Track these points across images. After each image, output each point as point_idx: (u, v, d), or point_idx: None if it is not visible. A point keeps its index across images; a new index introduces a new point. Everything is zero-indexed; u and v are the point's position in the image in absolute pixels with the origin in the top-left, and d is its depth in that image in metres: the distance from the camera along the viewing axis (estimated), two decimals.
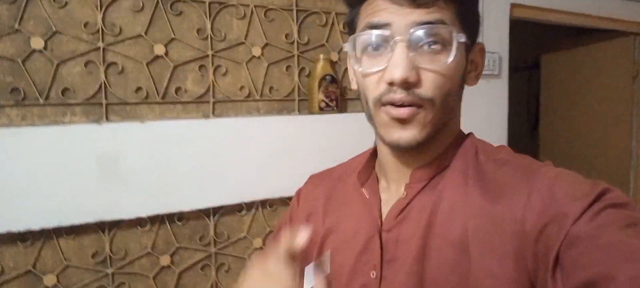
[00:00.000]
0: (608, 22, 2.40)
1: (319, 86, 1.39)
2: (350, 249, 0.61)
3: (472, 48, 0.58)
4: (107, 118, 1.15)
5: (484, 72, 1.93)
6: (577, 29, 2.52)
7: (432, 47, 0.51)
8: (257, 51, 1.34)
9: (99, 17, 1.13)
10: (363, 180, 0.65)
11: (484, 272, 0.49)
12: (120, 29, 1.16)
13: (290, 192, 1.36)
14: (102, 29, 1.13)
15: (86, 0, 1.11)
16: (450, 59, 0.51)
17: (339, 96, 1.43)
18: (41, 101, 1.08)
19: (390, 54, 0.51)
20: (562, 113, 2.99)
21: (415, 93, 0.51)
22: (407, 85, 0.50)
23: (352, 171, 0.70)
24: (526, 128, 3.43)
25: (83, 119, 1.13)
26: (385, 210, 0.60)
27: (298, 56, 1.41)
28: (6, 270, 1.06)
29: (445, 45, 0.51)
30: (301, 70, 1.42)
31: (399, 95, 0.50)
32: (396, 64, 0.49)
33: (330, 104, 1.41)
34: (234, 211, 1.34)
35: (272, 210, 1.39)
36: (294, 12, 1.39)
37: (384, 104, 0.52)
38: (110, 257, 1.16)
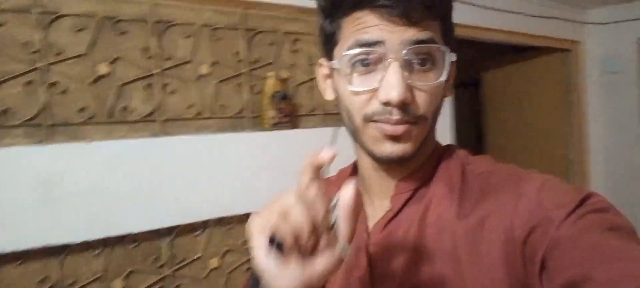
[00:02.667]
0: (542, 39, 2.61)
1: (270, 103, 1.41)
2: (340, 269, 0.61)
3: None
4: (50, 139, 1.12)
5: None
6: (514, 47, 2.72)
7: (424, 65, 0.51)
8: (205, 69, 1.36)
9: (38, 36, 1.11)
10: None
11: (475, 281, 0.49)
12: (62, 49, 1.14)
13: (247, 208, 1.37)
14: (42, 49, 1.11)
15: (24, 20, 1.10)
16: (442, 78, 0.52)
17: (291, 112, 1.45)
18: None
19: (382, 72, 0.50)
20: (503, 125, 3.15)
21: (410, 111, 0.51)
22: (404, 105, 0.50)
23: (334, 187, 0.69)
24: (472, 140, 3.59)
25: (25, 141, 1.09)
26: (371, 225, 0.59)
27: (248, 73, 1.44)
28: None
29: (435, 63, 0.52)
30: (252, 87, 1.45)
31: (395, 116, 0.50)
32: (393, 86, 0.49)
33: (282, 120, 1.43)
34: (188, 231, 1.31)
35: (228, 228, 1.38)
36: (242, 31, 1.43)
37: (376, 121, 0.52)
38: (59, 283, 1.11)
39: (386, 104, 0.50)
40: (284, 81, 1.50)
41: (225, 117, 1.40)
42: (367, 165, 0.60)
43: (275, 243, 0.42)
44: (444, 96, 0.57)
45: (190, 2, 1.34)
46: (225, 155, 1.34)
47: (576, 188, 0.48)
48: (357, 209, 0.42)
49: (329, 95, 0.61)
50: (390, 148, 0.53)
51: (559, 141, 2.86)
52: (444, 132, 1.99)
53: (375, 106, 0.51)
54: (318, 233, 0.42)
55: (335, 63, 0.55)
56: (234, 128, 1.41)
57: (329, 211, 0.43)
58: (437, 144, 0.62)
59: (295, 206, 0.41)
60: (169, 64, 1.30)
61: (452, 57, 0.53)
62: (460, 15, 2.16)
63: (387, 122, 0.51)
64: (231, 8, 1.41)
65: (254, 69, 1.46)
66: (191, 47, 1.34)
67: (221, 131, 1.39)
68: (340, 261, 0.43)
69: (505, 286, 0.47)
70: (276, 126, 1.42)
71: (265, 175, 1.37)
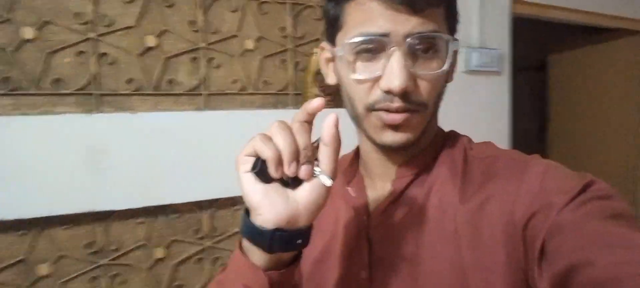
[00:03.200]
0: (615, 20, 2.36)
1: (314, 80, 1.38)
2: (338, 249, 0.60)
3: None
4: (98, 109, 1.16)
5: (484, 69, 1.90)
6: (584, 28, 2.49)
7: (427, 53, 0.51)
8: (250, 44, 1.34)
9: (90, 7, 1.13)
10: (348, 179, 0.65)
11: (476, 264, 0.49)
12: (112, 20, 1.16)
13: None
14: (94, 20, 1.14)
15: None
16: (445, 67, 0.52)
17: (334, 91, 1.41)
18: (33, 91, 1.09)
19: (385, 61, 0.50)
20: (570, 113, 2.94)
21: (411, 99, 0.51)
22: (405, 93, 0.50)
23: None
24: (534, 128, 3.38)
25: (75, 110, 1.14)
26: (371, 209, 0.60)
27: (293, 50, 1.41)
28: (0, 258, 1.07)
29: (438, 52, 0.52)
30: (296, 64, 1.42)
31: (396, 104, 0.51)
32: (395, 74, 0.49)
33: (325, 98, 1.40)
34: (228, 205, 1.33)
35: None
36: (289, 5, 1.39)
37: (377, 110, 0.52)
38: (104, 248, 1.16)
39: (388, 92, 0.50)
40: None
41: (268, 93, 1.38)
42: (369, 149, 0.60)
43: (258, 165, 0.43)
44: (446, 82, 0.57)
45: None
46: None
47: (579, 175, 0.48)
48: (337, 143, 0.45)
49: (331, 80, 0.61)
50: (392, 137, 0.53)
51: (629, 133, 2.62)
52: (502, 118, 1.87)
53: (377, 94, 0.52)
54: (299, 162, 0.43)
55: (338, 50, 0.55)
56: (276, 104, 1.40)
57: (310, 142, 0.44)
58: (439, 130, 0.62)
59: (278, 131, 0.43)
60: (215, 38, 1.30)
61: (455, 45, 0.53)
62: None
63: (388, 109, 0.51)
64: None
65: (300, 45, 1.42)
66: (237, 21, 1.32)
67: (264, 107, 1.38)
68: (324, 191, 0.44)
69: (505, 269, 0.47)
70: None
71: None
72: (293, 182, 0.44)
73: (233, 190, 1.31)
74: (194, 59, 1.27)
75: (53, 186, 1.08)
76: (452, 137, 0.61)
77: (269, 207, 0.43)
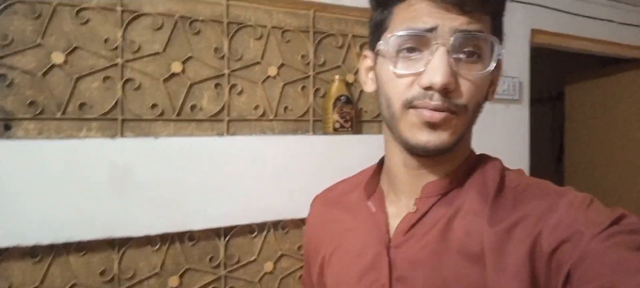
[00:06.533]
0: (632, 50, 2.35)
1: (334, 106, 1.37)
2: (355, 266, 0.59)
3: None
4: (122, 133, 1.16)
5: (504, 97, 1.89)
6: (601, 59, 2.48)
7: (471, 56, 0.51)
8: (273, 71, 1.35)
9: (119, 33, 1.15)
10: (369, 193, 0.63)
11: None
12: (139, 46, 1.18)
13: (303, 213, 1.34)
14: (122, 46, 1.15)
15: (108, 18, 1.14)
16: (490, 68, 0.51)
17: (353, 117, 1.41)
18: (58, 115, 1.09)
19: (428, 57, 0.49)
20: (587, 144, 2.91)
21: (451, 100, 0.50)
22: (446, 91, 0.49)
23: (355, 186, 0.68)
24: (550, 159, 3.34)
25: (98, 134, 1.14)
26: (393, 225, 0.58)
27: (314, 77, 1.41)
28: (14, 285, 1.05)
29: (482, 55, 0.51)
30: (316, 90, 1.42)
31: (435, 101, 0.49)
32: (438, 70, 0.48)
33: (345, 124, 1.39)
34: (245, 232, 1.31)
35: (285, 232, 1.36)
36: (311, 33, 1.40)
37: (415, 107, 0.51)
38: (118, 275, 1.14)
39: (428, 88, 0.49)
40: (349, 85, 1.46)
41: (289, 119, 1.38)
42: (397, 160, 0.58)
43: None
44: (486, 96, 0.56)
45: (262, 4, 1.33)
46: (287, 158, 1.32)
47: (612, 209, 0.47)
48: None
49: (370, 87, 0.60)
50: (427, 137, 0.51)
51: None
52: (521, 147, 1.84)
53: (416, 90, 0.50)
54: None
55: (381, 44, 0.54)
56: (296, 130, 1.39)
57: None
58: (472, 152, 0.60)
59: None
60: (238, 65, 1.30)
61: (501, 49, 0.52)
62: (542, 21, 1.99)
63: (426, 106, 0.50)
64: (302, 10, 1.39)
65: (320, 72, 1.42)
66: (261, 48, 1.33)
67: (284, 133, 1.37)
68: None
69: None
70: (339, 130, 1.38)
71: (325, 180, 1.33)
72: None
73: (251, 216, 1.29)
74: (217, 85, 1.28)
75: (72, 211, 1.07)
76: (485, 160, 0.59)
77: None
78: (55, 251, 1.08)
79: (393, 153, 0.59)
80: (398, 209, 0.59)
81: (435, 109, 0.50)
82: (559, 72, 2.96)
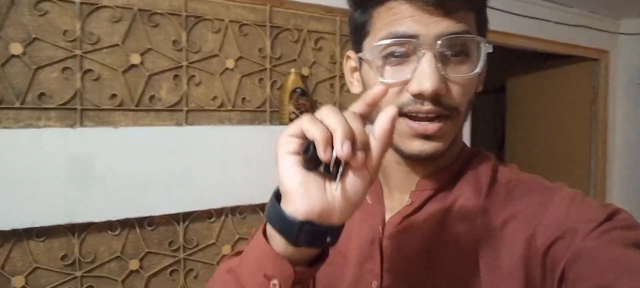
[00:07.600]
0: (569, 47, 2.56)
1: (290, 98, 1.45)
2: (352, 257, 0.59)
3: None
4: (81, 123, 1.19)
5: None
6: (541, 54, 2.68)
7: (458, 57, 0.50)
8: (230, 63, 1.41)
9: (78, 25, 1.17)
10: None
11: (492, 285, 0.49)
12: (99, 38, 1.20)
13: (260, 199, 1.43)
14: (81, 38, 1.18)
15: (66, 10, 1.16)
16: (477, 70, 0.51)
17: (309, 109, 1.49)
18: (17, 104, 1.11)
19: (415, 64, 0.48)
20: (526, 133, 3.12)
21: (442, 103, 0.49)
22: (437, 97, 0.48)
23: None
24: (493, 146, 3.56)
25: (58, 124, 1.16)
26: (388, 218, 0.58)
27: (270, 69, 1.48)
28: None
29: (469, 55, 0.50)
30: (273, 83, 1.49)
31: (426, 107, 0.49)
32: (426, 76, 0.47)
33: (300, 116, 1.47)
34: (203, 218, 1.38)
35: (242, 217, 1.44)
36: (268, 27, 1.47)
37: (406, 115, 0.50)
38: (79, 259, 1.18)
39: (418, 96, 0.48)
40: (304, 78, 1.54)
41: (246, 110, 1.45)
42: (391, 159, 0.57)
43: (311, 150, 0.39)
44: (477, 90, 0.55)
45: None
46: (244, 147, 1.39)
47: (604, 205, 0.47)
48: (388, 140, 0.40)
49: (356, 88, 0.59)
50: (420, 147, 0.51)
51: (581, 152, 2.83)
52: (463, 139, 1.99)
53: (406, 97, 0.50)
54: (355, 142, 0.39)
55: (365, 53, 0.53)
56: (254, 121, 1.46)
57: (365, 129, 0.39)
58: (465, 146, 0.60)
59: (329, 113, 0.39)
60: (196, 57, 1.35)
61: (488, 48, 0.51)
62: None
63: (418, 112, 0.49)
64: (259, 5, 1.45)
65: (277, 65, 1.50)
66: (219, 41, 1.39)
67: (242, 123, 1.44)
68: (363, 190, 0.40)
69: None
70: (294, 121, 1.46)
71: None
72: (335, 173, 0.40)
73: (209, 202, 1.36)
74: (176, 76, 1.33)
75: (34, 198, 1.09)
76: (479, 155, 0.59)
77: (304, 196, 0.38)
78: (16, 236, 1.11)
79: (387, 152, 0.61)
80: (392, 203, 0.59)
81: (428, 113, 0.49)
82: (501, 66, 3.15)
